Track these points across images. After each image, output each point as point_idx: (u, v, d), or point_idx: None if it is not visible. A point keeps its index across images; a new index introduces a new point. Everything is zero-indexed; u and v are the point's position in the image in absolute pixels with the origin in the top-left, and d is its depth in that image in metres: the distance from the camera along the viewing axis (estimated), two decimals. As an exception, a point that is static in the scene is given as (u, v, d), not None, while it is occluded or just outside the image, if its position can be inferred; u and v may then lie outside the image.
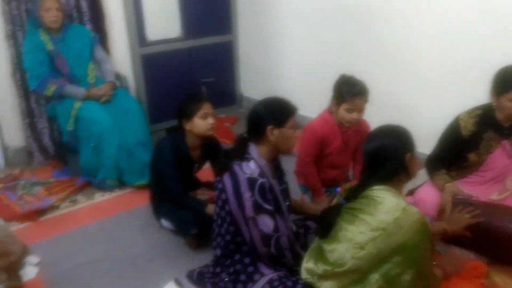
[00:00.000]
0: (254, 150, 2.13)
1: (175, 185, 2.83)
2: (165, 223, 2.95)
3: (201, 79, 4.80)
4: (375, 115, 3.71)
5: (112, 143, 3.45)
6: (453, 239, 2.32)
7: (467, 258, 2.35)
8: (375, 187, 1.90)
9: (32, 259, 2.72)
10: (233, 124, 4.81)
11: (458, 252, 2.38)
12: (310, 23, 4.22)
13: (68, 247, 2.88)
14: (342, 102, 2.63)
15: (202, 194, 3.06)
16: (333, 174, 2.91)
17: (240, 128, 4.61)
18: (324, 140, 2.75)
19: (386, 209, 1.82)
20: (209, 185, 3.16)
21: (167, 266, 2.64)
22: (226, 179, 2.11)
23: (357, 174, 2.85)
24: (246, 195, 2.04)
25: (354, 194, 1.96)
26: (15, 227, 3.07)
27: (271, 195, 2.10)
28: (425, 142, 2.61)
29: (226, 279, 2.15)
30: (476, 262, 2.34)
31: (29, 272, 2.62)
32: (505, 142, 2.51)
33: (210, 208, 2.74)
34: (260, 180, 2.06)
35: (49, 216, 3.25)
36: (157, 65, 4.47)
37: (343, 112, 2.63)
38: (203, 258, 2.56)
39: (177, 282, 2.31)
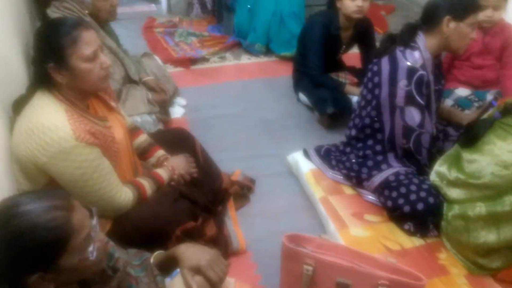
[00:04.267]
0: (422, 40, 2.01)
1: (317, 60, 2.84)
2: (302, 97, 3.02)
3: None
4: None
5: (267, 8, 3.48)
6: None
7: None
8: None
9: (181, 100, 3.02)
10: (390, 13, 4.53)
11: None
12: None
13: (212, 97, 3.13)
14: None
15: (344, 78, 3.04)
16: (477, 74, 2.70)
17: (396, 19, 4.34)
18: None
19: (549, 135, 1.66)
20: (352, 70, 3.11)
21: (297, 137, 2.76)
22: (384, 62, 2.05)
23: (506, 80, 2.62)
24: (402, 83, 1.98)
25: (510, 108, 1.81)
26: (170, 69, 3.36)
27: (426, 91, 2.02)
28: None
29: (353, 160, 2.21)
30: None
31: (177, 111, 2.93)
32: None
33: (349, 88, 2.75)
34: (420, 72, 1.97)
35: (200, 66, 3.51)
36: None
37: None
38: (332, 138, 2.63)
39: (305, 152, 2.42)
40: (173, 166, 1.89)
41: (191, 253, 1.23)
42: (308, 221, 2.16)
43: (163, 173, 1.84)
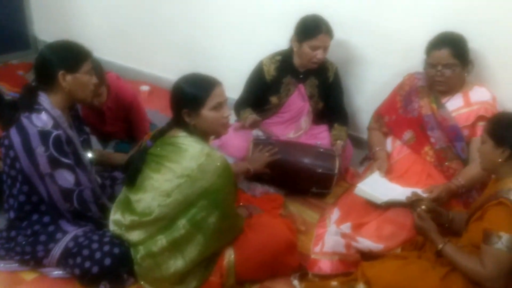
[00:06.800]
0: (45, 99, 1.93)
1: None
2: None
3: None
4: (181, 60, 3.71)
5: None
6: (255, 177, 2.50)
7: (267, 192, 2.58)
8: (180, 134, 1.90)
9: None
10: (28, 71, 4.28)
11: (260, 188, 2.58)
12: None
13: None
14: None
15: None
16: (108, 129, 2.81)
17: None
18: None
19: (190, 156, 1.85)
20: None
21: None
22: (13, 134, 1.89)
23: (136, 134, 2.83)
24: (39, 150, 1.86)
25: (158, 135, 1.96)
26: None
27: (70, 148, 1.96)
28: (233, 87, 2.68)
29: (23, 243, 1.96)
30: (274, 195, 2.57)
31: None
32: (301, 86, 2.78)
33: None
34: (55, 133, 1.89)
35: None
36: None
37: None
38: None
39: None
40: None
41: None
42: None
43: None
